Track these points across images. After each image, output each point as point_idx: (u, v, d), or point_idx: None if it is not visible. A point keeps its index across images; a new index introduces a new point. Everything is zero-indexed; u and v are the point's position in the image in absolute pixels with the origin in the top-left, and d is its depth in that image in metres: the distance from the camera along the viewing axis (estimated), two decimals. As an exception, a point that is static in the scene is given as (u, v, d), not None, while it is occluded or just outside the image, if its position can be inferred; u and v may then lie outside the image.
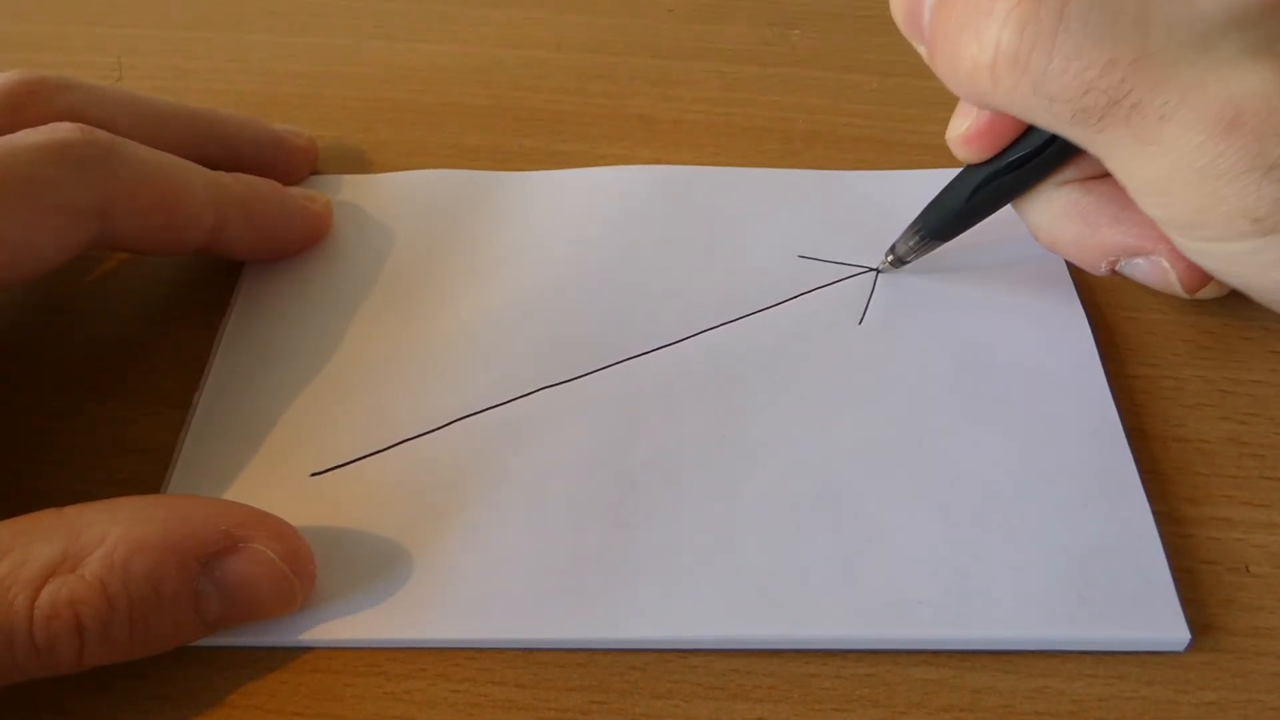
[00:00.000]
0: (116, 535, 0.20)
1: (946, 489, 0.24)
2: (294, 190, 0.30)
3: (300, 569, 0.22)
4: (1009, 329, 0.28)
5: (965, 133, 0.25)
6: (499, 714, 0.22)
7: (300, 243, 0.30)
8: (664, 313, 0.28)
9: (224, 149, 0.30)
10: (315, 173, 0.33)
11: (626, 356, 0.27)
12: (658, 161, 0.33)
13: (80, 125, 0.25)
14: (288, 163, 0.32)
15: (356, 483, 0.25)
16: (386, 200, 0.32)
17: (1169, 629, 0.22)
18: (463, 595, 0.23)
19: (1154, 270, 0.25)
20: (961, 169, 0.26)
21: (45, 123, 0.25)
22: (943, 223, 0.27)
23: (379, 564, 0.23)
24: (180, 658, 0.22)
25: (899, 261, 0.29)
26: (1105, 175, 0.24)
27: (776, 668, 0.22)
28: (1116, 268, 0.26)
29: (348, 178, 0.33)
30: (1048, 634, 0.22)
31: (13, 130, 0.25)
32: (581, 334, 0.28)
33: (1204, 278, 0.25)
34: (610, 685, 0.22)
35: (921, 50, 0.24)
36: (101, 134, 0.25)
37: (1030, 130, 0.24)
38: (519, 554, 0.24)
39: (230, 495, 0.25)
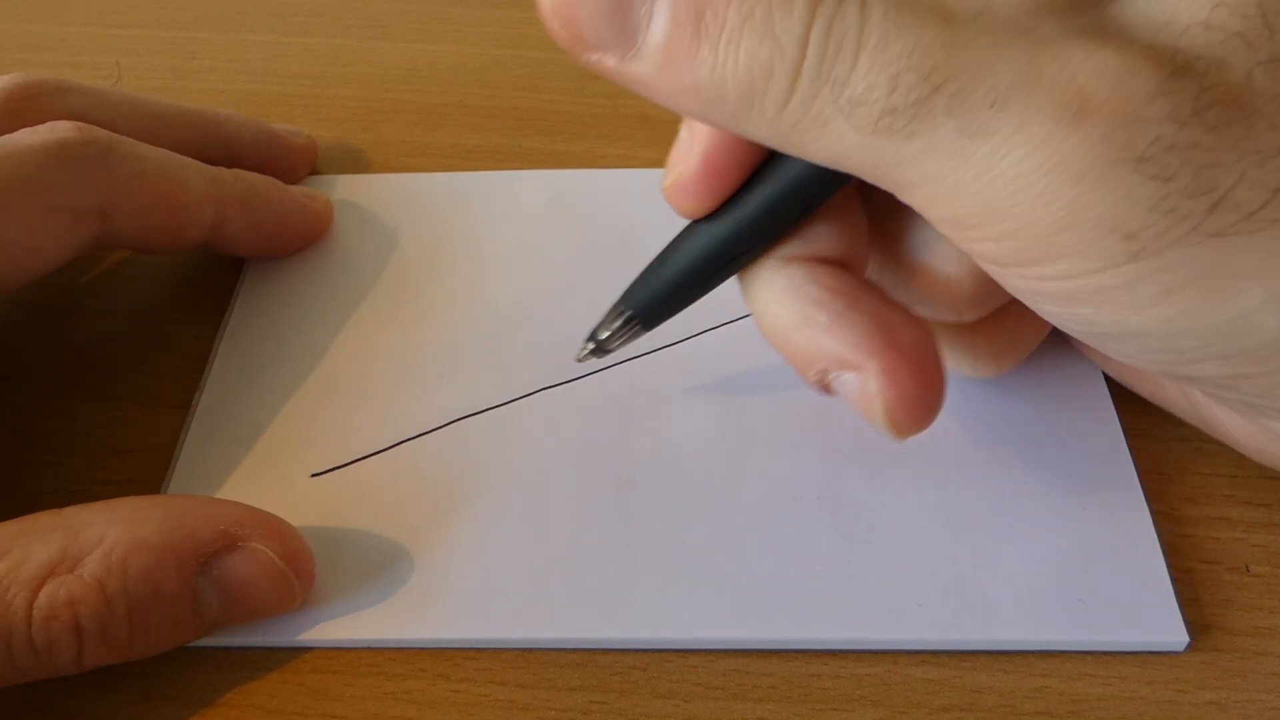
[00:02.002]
0: (115, 535, 0.20)
1: (946, 490, 0.24)
2: (294, 189, 0.30)
3: (299, 568, 0.22)
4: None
5: (680, 179, 0.21)
6: (499, 714, 0.22)
7: (300, 240, 0.30)
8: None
9: (224, 149, 0.30)
10: (315, 172, 0.33)
11: (626, 357, 0.27)
12: (658, 161, 0.33)
13: (78, 124, 0.25)
14: (287, 162, 0.32)
15: (356, 482, 0.25)
16: (386, 200, 0.32)
17: (1167, 632, 0.22)
18: (463, 595, 0.23)
19: (862, 396, 0.20)
20: (677, 235, 0.22)
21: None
22: (653, 301, 0.23)
23: (379, 564, 0.23)
24: (180, 658, 0.22)
25: (601, 350, 0.24)
26: (835, 261, 0.21)
27: (776, 668, 0.22)
28: (827, 380, 0.21)
29: (347, 178, 0.33)
30: (1046, 636, 0.22)
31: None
32: (581, 334, 0.28)
33: (919, 414, 0.21)
34: (610, 685, 0.22)
35: (607, 62, 0.19)
36: (100, 132, 0.25)
37: (755, 182, 0.20)
38: (519, 554, 0.24)
39: (230, 495, 0.25)
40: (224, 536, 0.21)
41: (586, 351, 0.24)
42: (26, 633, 0.19)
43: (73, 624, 0.20)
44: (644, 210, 0.31)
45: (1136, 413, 0.26)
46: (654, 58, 0.18)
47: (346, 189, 0.32)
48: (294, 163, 0.32)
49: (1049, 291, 0.18)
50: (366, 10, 0.40)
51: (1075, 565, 0.23)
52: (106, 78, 0.37)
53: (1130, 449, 0.25)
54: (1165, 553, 0.23)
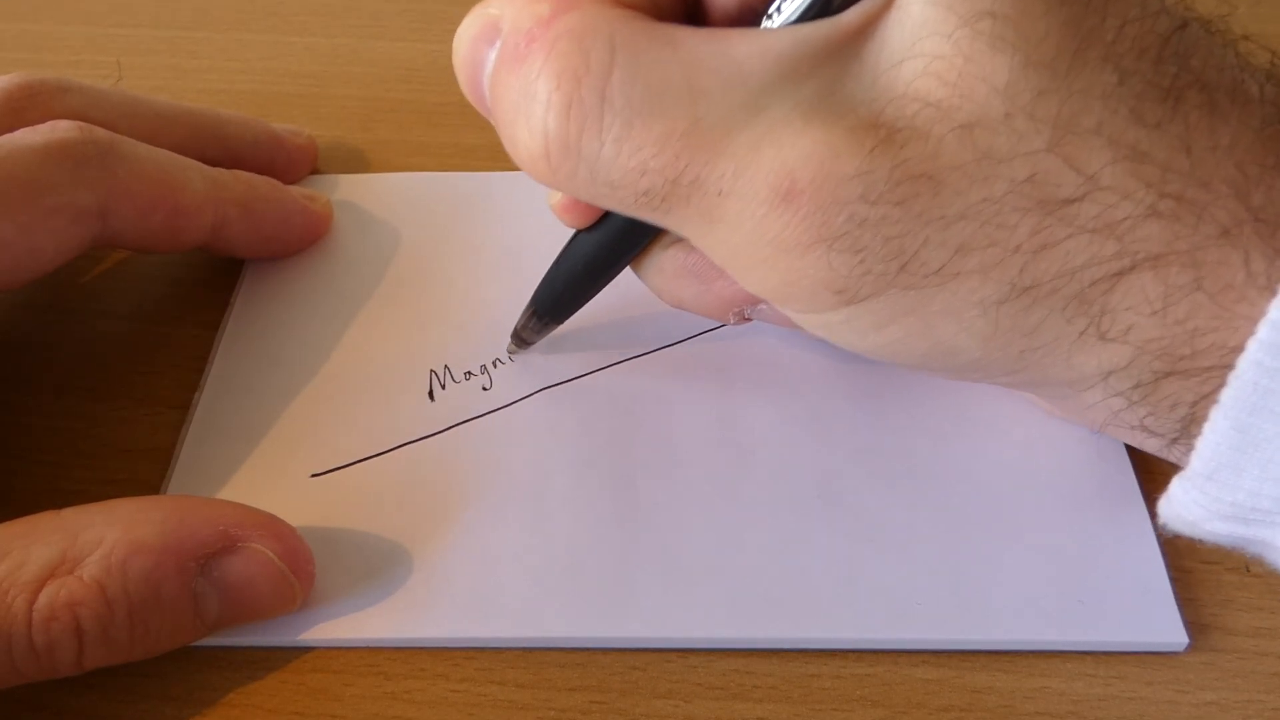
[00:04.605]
0: (115, 537, 0.20)
1: (946, 490, 0.24)
2: (294, 189, 0.30)
3: (299, 569, 0.22)
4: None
5: (561, 200, 0.23)
6: (499, 714, 0.22)
7: (300, 241, 0.30)
8: (664, 313, 0.28)
9: (224, 149, 0.30)
10: (315, 172, 0.33)
11: (626, 356, 0.27)
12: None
13: (79, 124, 0.25)
14: (288, 162, 0.32)
15: (356, 483, 0.25)
16: (386, 200, 0.32)
17: (1167, 632, 0.22)
18: (463, 595, 0.23)
19: (777, 314, 0.23)
20: (568, 241, 0.25)
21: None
22: (555, 301, 0.26)
23: (379, 564, 0.23)
24: (180, 658, 0.22)
25: (522, 343, 0.27)
26: None
27: (776, 668, 0.22)
28: (746, 314, 0.24)
29: (347, 177, 0.33)
30: (1046, 636, 0.22)
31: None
32: (581, 334, 0.28)
33: None
34: (610, 685, 0.22)
35: (495, 123, 0.22)
36: (100, 132, 0.25)
37: None
38: (519, 554, 0.24)
39: (230, 496, 0.25)
40: (224, 537, 0.21)
41: (512, 346, 0.27)
42: (26, 634, 0.19)
43: (73, 625, 0.20)
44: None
45: (1136, 413, 0.26)
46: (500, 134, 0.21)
47: (346, 189, 0.32)
48: (294, 163, 0.32)
49: (798, 319, 0.22)
50: (366, 10, 0.40)
51: (1075, 565, 0.23)
52: (107, 78, 0.37)
53: (1130, 449, 0.25)
54: (1165, 553, 0.23)
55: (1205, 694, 0.22)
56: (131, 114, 0.29)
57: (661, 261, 0.24)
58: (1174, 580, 0.23)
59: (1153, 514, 0.24)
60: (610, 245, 0.24)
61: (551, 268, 0.25)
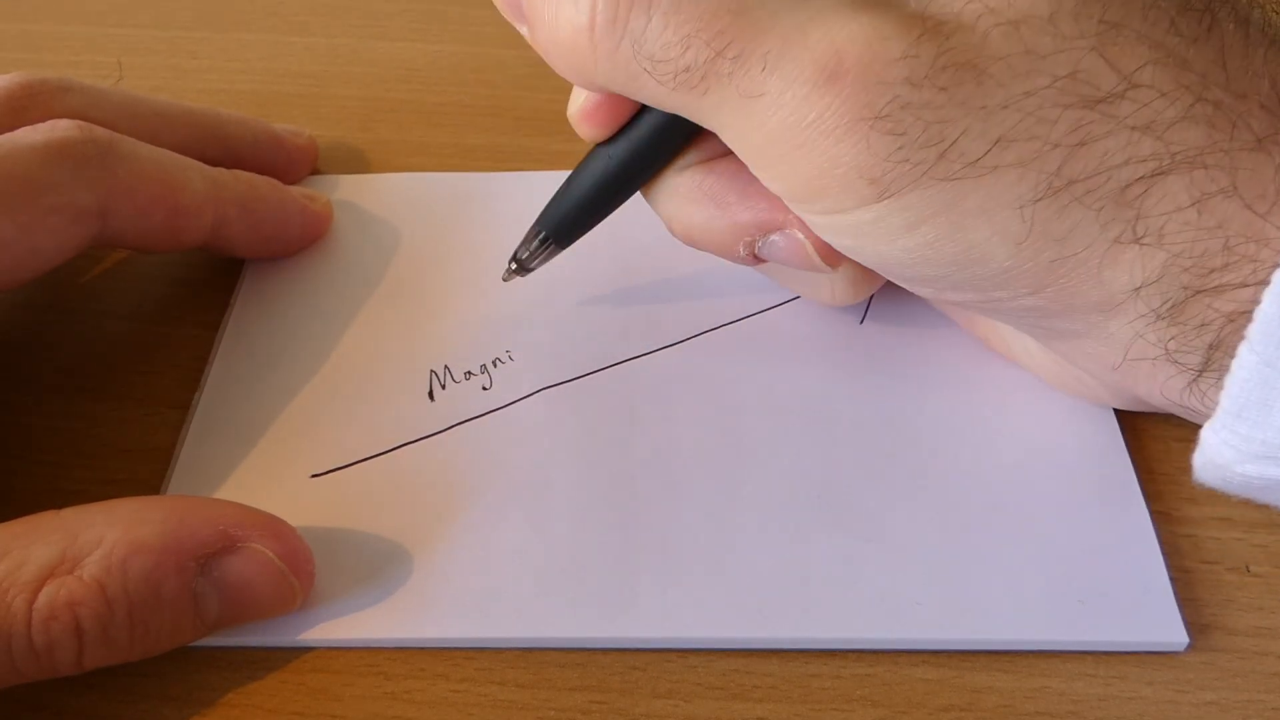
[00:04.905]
0: (115, 537, 0.20)
1: (945, 490, 0.24)
2: (294, 189, 0.30)
3: (299, 569, 0.22)
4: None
5: (583, 106, 0.23)
6: (499, 714, 0.22)
7: (300, 241, 0.30)
8: (664, 313, 0.28)
9: (224, 149, 0.30)
10: (315, 172, 0.33)
11: (626, 357, 0.27)
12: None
13: (79, 123, 0.25)
14: (288, 162, 0.32)
15: (356, 483, 0.25)
16: (386, 200, 0.32)
17: (1167, 632, 0.22)
18: (463, 595, 0.23)
19: (791, 245, 0.23)
20: (582, 160, 0.25)
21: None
22: (563, 219, 0.25)
23: (379, 564, 0.23)
24: (180, 658, 0.22)
25: (523, 269, 0.27)
26: (727, 154, 0.23)
27: (776, 668, 0.22)
28: (756, 250, 0.24)
29: (347, 178, 0.33)
30: (1046, 636, 0.22)
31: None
32: (581, 334, 0.28)
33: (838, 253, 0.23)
34: (610, 685, 0.22)
35: (524, 32, 0.22)
36: (100, 131, 0.25)
37: (646, 110, 0.23)
38: (519, 554, 0.24)
39: (230, 496, 0.25)
40: (224, 537, 0.21)
41: (510, 270, 0.27)
42: (26, 634, 0.19)
43: (73, 625, 0.20)
44: (643, 211, 0.31)
45: (1136, 413, 0.26)
46: (528, 29, 0.22)
47: (346, 189, 0.32)
48: (294, 163, 0.32)
49: (821, 225, 0.21)
50: (366, 10, 0.40)
51: (1075, 565, 0.23)
52: (107, 77, 0.37)
53: (1129, 449, 0.25)
54: (1165, 553, 0.23)
55: (1205, 694, 0.22)
56: (132, 114, 0.29)
57: (676, 184, 0.24)
58: (1174, 580, 0.23)
59: (1153, 514, 0.24)
60: (627, 158, 0.24)
61: (562, 187, 0.25)
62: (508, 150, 0.34)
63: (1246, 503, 0.25)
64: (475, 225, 0.31)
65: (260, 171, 0.30)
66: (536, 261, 0.26)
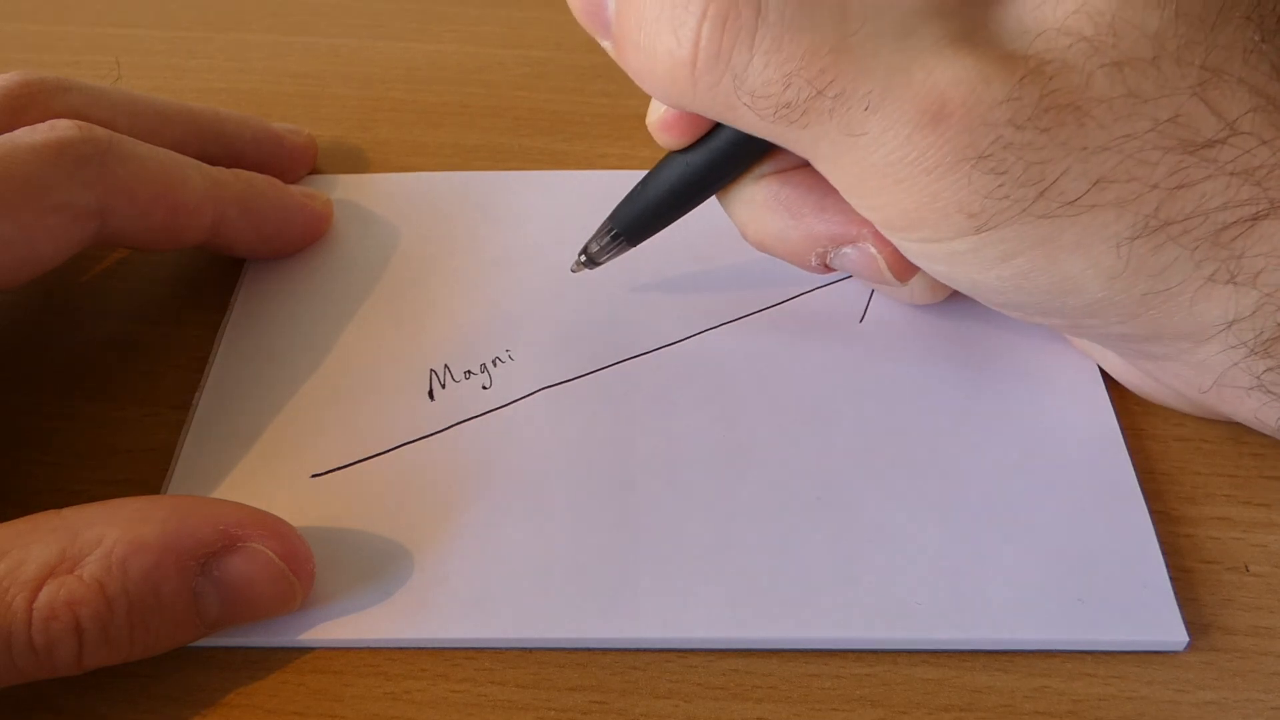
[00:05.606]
0: (115, 536, 0.20)
1: (945, 490, 0.24)
2: (294, 188, 0.30)
3: (299, 568, 0.22)
4: (1008, 330, 0.28)
5: (664, 117, 0.23)
6: (499, 714, 0.22)
7: (300, 240, 0.30)
8: (664, 313, 0.28)
9: (223, 148, 0.30)
10: (315, 172, 0.33)
11: (626, 356, 0.27)
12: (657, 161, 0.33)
13: (78, 123, 0.25)
14: (287, 161, 0.32)
15: (356, 483, 0.25)
16: (386, 200, 0.32)
17: (1167, 632, 0.22)
18: (463, 595, 0.23)
19: (863, 259, 0.24)
20: (659, 162, 0.25)
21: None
22: (636, 219, 0.26)
23: (379, 564, 0.23)
24: (180, 658, 0.22)
25: (591, 262, 0.27)
26: (804, 165, 0.23)
27: (776, 668, 0.22)
28: (828, 261, 0.24)
29: (347, 177, 0.33)
30: (1046, 636, 0.22)
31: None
32: (581, 334, 0.28)
33: (911, 265, 0.23)
34: (610, 685, 0.22)
35: (606, 46, 0.22)
36: (100, 131, 0.25)
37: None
38: (519, 554, 0.24)
39: (230, 496, 0.25)
40: (224, 537, 0.21)
41: (579, 262, 0.27)
42: (26, 633, 0.19)
43: (73, 625, 0.20)
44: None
45: (1136, 413, 0.26)
46: (614, 45, 0.22)
47: (346, 189, 0.32)
48: (294, 162, 0.32)
49: (917, 252, 0.22)
50: (366, 10, 0.40)
51: (1075, 565, 0.23)
52: (107, 77, 0.37)
53: (1129, 449, 0.25)
54: (1165, 553, 0.23)
55: (1205, 694, 0.22)
56: (131, 113, 0.29)
57: (753, 192, 0.24)
58: (1174, 580, 0.23)
59: (1153, 514, 0.24)
60: (705, 168, 0.24)
61: (636, 187, 0.25)
62: (508, 150, 0.34)
63: (1246, 502, 0.25)
64: (475, 225, 0.31)
65: (260, 170, 0.30)
66: (606, 256, 0.27)
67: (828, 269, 0.25)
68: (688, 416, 0.26)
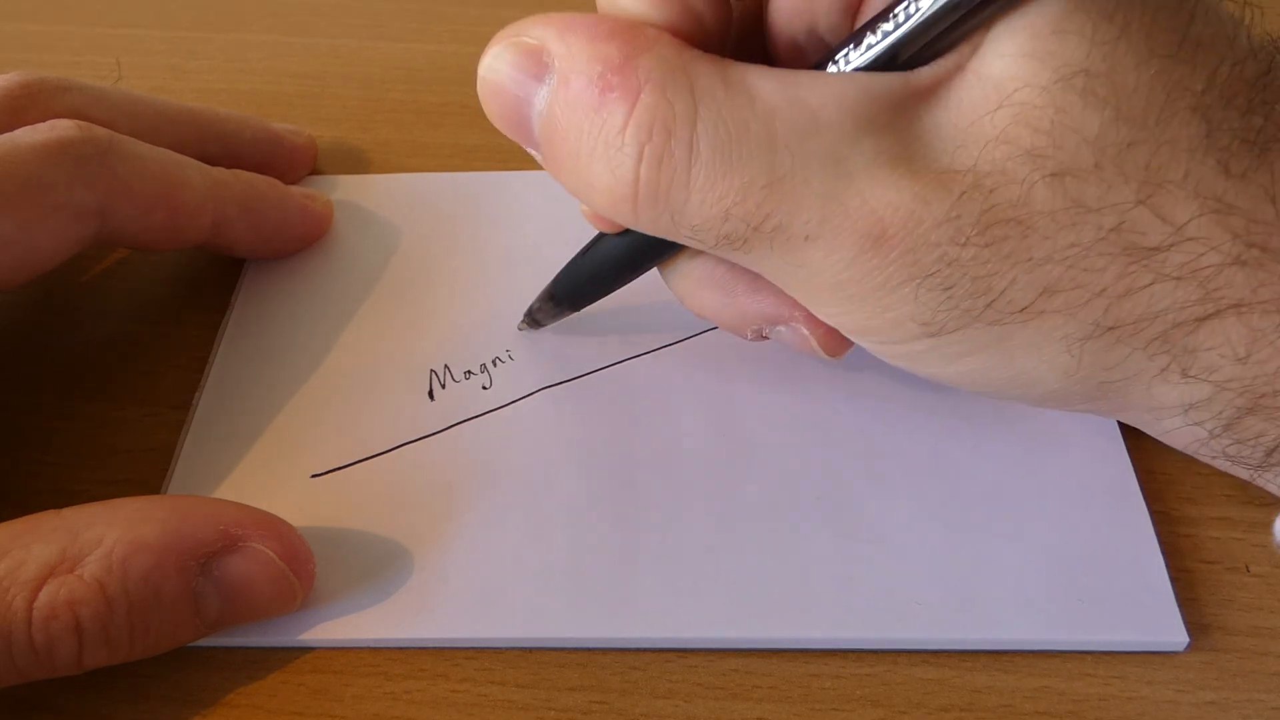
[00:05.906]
0: (115, 536, 0.20)
1: (946, 490, 0.24)
2: (294, 189, 0.30)
3: (300, 568, 0.22)
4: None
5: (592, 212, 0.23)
6: (499, 714, 0.22)
7: (300, 240, 0.30)
8: (664, 313, 0.28)
9: (223, 148, 0.30)
10: (315, 172, 0.33)
11: (626, 356, 0.27)
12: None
13: (78, 122, 0.25)
14: (287, 161, 0.32)
15: (357, 482, 0.25)
16: (386, 200, 0.32)
17: (1167, 632, 0.22)
18: (463, 595, 0.23)
19: (796, 338, 0.24)
20: (594, 239, 0.25)
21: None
22: (575, 290, 0.26)
23: (379, 564, 0.23)
24: (180, 658, 0.22)
25: (534, 323, 0.28)
26: None
27: (776, 668, 0.22)
28: (765, 334, 0.24)
29: (347, 177, 0.33)
30: (1046, 636, 0.22)
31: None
32: (581, 334, 0.28)
33: (845, 342, 0.23)
34: (610, 685, 0.22)
35: (533, 153, 0.22)
36: (100, 131, 0.25)
37: None
38: (519, 554, 0.24)
39: (230, 496, 0.25)
40: (224, 537, 0.21)
41: (522, 323, 0.28)
42: (26, 633, 0.19)
43: (73, 624, 0.20)
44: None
45: (1136, 413, 0.26)
46: (543, 161, 0.21)
47: (346, 189, 0.32)
48: (294, 162, 0.32)
49: (876, 350, 0.22)
50: (366, 10, 0.40)
51: (1075, 565, 0.23)
52: (107, 77, 0.37)
53: (1129, 449, 0.25)
54: (1165, 553, 0.23)
55: (1205, 694, 0.22)
56: (131, 113, 0.29)
57: (689, 268, 0.24)
58: (1174, 580, 0.23)
59: (1153, 514, 0.24)
60: (638, 251, 0.24)
61: (575, 258, 0.26)
62: (508, 150, 0.34)
63: (1247, 503, 0.25)
64: (475, 225, 0.31)
65: (260, 171, 0.30)
66: (549, 320, 0.27)
67: (765, 339, 0.25)
68: (688, 416, 0.26)
